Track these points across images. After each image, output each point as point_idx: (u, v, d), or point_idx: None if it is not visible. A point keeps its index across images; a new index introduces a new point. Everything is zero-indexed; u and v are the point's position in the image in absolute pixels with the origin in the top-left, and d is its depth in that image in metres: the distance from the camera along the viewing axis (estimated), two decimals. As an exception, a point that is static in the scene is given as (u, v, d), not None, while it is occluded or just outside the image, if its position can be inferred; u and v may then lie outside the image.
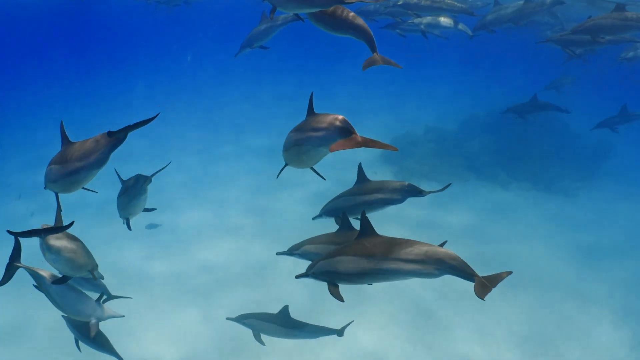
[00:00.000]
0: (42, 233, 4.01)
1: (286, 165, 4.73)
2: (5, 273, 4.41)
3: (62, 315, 5.80)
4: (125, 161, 14.87)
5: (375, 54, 4.41)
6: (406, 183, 5.37)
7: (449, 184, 5.81)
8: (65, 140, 4.25)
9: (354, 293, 8.55)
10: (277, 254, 5.36)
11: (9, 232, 3.90)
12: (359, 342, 8.26)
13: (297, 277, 4.43)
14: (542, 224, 12.51)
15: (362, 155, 16.06)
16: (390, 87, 25.01)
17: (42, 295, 4.59)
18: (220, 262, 10.54)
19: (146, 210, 6.35)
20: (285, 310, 6.43)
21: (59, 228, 4.02)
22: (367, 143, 3.53)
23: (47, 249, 4.22)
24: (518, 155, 15.85)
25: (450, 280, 4.22)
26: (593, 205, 13.82)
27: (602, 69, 17.79)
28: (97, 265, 4.37)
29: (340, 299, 4.01)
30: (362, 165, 5.50)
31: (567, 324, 9.00)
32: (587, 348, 8.46)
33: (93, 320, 4.55)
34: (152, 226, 12.00)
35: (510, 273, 3.62)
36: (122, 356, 5.20)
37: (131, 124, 3.50)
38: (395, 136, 17.20)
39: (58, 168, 4.15)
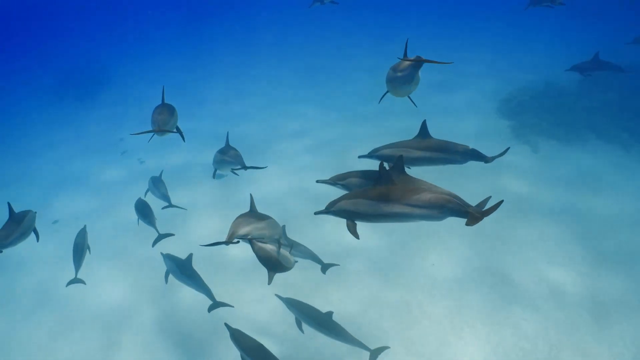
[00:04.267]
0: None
1: (387, 92, 5.73)
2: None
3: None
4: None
5: None
6: (470, 147, 5.51)
7: (508, 148, 5.94)
8: (162, 100, 6.34)
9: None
10: (318, 181, 5.51)
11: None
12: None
13: (316, 213, 4.95)
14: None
15: (483, 109, 16.70)
16: (509, 40, 24.53)
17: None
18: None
19: (233, 171, 8.17)
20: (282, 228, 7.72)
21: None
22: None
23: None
24: (643, 115, 15.43)
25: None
26: None
27: None
28: (283, 235, 5.62)
29: (356, 235, 4.59)
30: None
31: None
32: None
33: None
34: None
35: (501, 202, 4.07)
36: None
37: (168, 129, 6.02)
38: (514, 89, 17.42)
39: (151, 120, 6.21)
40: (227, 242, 5.02)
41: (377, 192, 4.48)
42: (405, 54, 5.19)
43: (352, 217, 4.64)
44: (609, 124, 15.39)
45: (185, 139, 6.93)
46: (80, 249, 8.66)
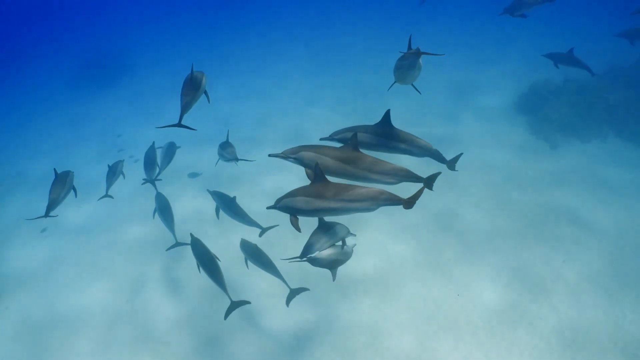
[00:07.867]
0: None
1: (395, 82, 6.15)
2: None
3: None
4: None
5: None
6: (433, 147, 5.96)
7: (461, 154, 6.61)
8: (191, 73, 6.16)
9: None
10: (270, 155, 5.59)
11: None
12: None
13: (268, 208, 5.43)
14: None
15: (501, 104, 16.56)
16: (533, 30, 24.22)
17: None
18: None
19: (237, 160, 9.19)
20: (233, 198, 8.60)
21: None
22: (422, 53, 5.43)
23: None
24: (666, 112, 15.12)
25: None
26: None
27: None
28: (348, 232, 6.09)
29: (298, 229, 5.11)
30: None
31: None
32: None
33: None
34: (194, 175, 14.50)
35: (424, 188, 4.94)
36: None
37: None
38: (532, 83, 17.16)
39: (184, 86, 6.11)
40: (301, 259, 5.76)
41: (314, 190, 5.02)
42: (409, 47, 5.72)
43: (293, 212, 5.15)
44: (630, 121, 15.17)
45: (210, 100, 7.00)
46: (113, 172, 9.68)
